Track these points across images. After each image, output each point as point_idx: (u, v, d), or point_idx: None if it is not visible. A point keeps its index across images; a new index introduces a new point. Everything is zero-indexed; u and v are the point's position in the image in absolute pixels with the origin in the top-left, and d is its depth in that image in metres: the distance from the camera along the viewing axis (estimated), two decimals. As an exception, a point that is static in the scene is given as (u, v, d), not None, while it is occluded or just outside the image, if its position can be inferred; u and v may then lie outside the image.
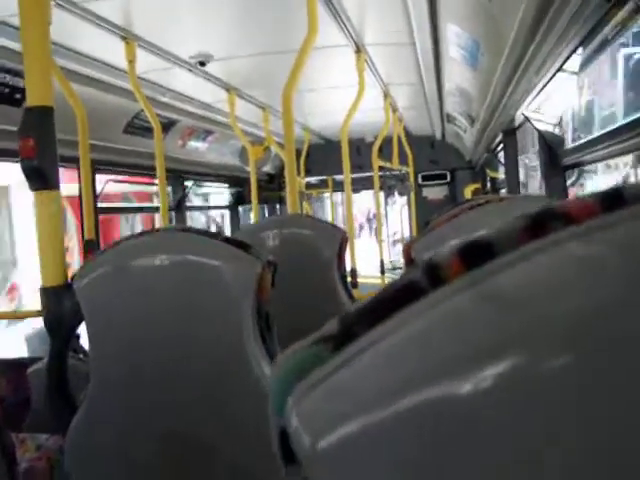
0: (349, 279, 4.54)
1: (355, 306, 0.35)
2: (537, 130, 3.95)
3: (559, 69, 2.95)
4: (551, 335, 0.29)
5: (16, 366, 3.37)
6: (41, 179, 1.68)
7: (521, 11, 2.48)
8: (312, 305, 2.60)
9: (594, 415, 0.28)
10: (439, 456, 0.30)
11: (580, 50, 2.70)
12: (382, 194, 9.24)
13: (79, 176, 4.44)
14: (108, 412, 1.67)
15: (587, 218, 0.31)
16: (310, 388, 0.33)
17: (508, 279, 0.31)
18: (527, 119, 4.00)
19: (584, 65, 2.93)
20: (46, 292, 1.73)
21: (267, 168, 8.81)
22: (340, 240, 2.64)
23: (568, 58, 2.79)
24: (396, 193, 9.96)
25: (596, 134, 3.00)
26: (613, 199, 0.31)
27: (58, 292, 1.72)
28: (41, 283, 1.75)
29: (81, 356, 2.87)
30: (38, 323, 4.54)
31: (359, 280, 5.10)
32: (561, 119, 3.68)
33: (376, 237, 7.51)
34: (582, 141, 3.26)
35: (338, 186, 9.21)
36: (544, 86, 3.26)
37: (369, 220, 16.15)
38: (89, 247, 3.80)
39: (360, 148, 8.56)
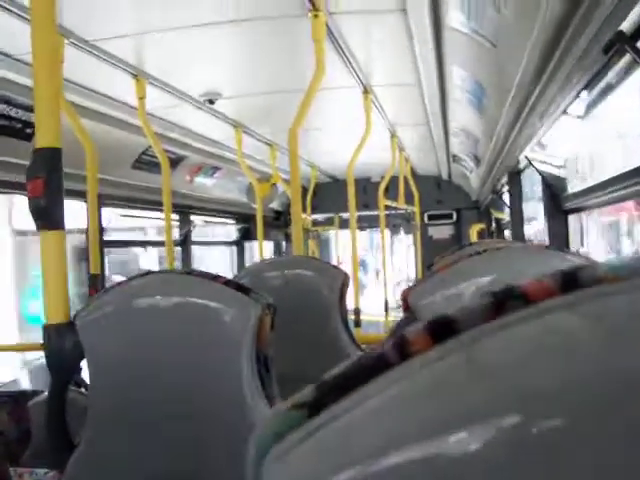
0: (353, 317, 4.55)
1: (329, 374, 0.36)
2: (540, 173, 3.98)
3: (563, 113, 2.98)
4: (535, 400, 0.30)
5: (17, 399, 3.37)
6: (48, 219, 1.71)
7: (525, 57, 2.52)
8: (313, 347, 2.60)
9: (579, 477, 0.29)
10: None
11: (585, 94, 2.73)
12: (388, 232, 9.26)
13: (87, 210, 4.48)
14: (106, 451, 1.67)
15: (545, 298, 0.33)
16: (285, 451, 0.34)
17: (486, 348, 0.32)
18: (530, 162, 4.03)
19: (588, 110, 2.96)
20: (49, 329, 1.74)
21: (274, 205, 8.85)
22: (342, 281, 2.65)
23: (571, 103, 2.83)
24: (402, 232, 9.98)
25: (599, 180, 3.02)
26: (569, 281, 0.33)
27: (61, 330, 1.73)
28: (44, 320, 1.76)
29: (82, 390, 2.87)
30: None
31: (362, 318, 5.10)
32: (565, 162, 3.70)
33: (382, 275, 7.49)
34: (585, 187, 3.28)
35: (344, 224, 9.23)
36: (548, 130, 3.29)
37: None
38: (94, 282, 3.82)
39: (366, 187, 8.60)
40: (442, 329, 0.33)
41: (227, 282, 1.65)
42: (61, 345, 1.71)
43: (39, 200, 1.67)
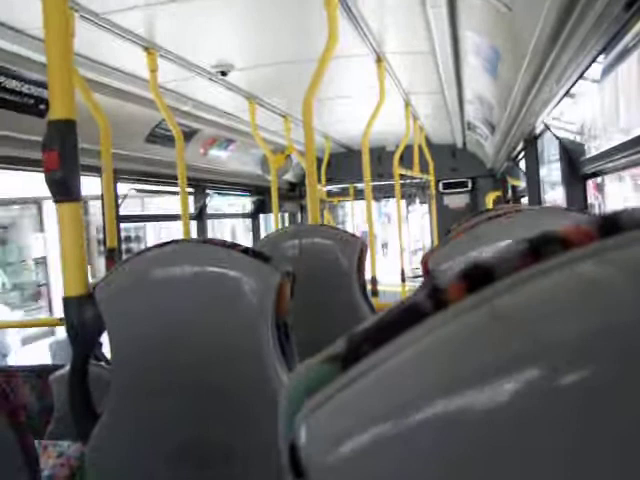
0: (369, 287, 4.55)
1: (361, 326, 0.35)
2: (557, 139, 3.94)
3: (580, 77, 2.94)
4: (564, 351, 0.30)
5: (39, 373, 3.40)
6: (64, 191, 1.71)
7: (541, 20, 2.47)
8: (331, 314, 2.61)
9: (607, 426, 0.29)
10: (451, 469, 0.31)
11: (601, 58, 2.69)
12: (403, 202, 9.23)
13: (101, 184, 4.49)
14: (129, 420, 1.68)
15: (585, 243, 0.32)
16: (318, 405, 0.34)
17: (514, 299, 0.31)
18: (547, 127, 3.99)
19: (605, 73, 2.92)
20: (68, 302, 1.74)
21: (288, 176, 8.84)
22: (359, 249, 2.64)
23: (589, 67, 2.78)
24: (417, 201, 9.95)
25: (616, 142, 2.98)
26: (610, 225, 0.32)
27: (80, 302, 1.73)
28: (63, 293, 1.77)
29: (103, 363, 2.90)
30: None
31: (379, 288, 5.10)
32: (582, 127, 3.66)
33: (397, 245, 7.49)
34: (602, 150, 3.24)
35: (359, 194, 9.21)
36: (565, 94, 3.24)
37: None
38: (111, 255, 3.84)
39: (381, 156, 8.57)
40: (477, 277, 0.33)
41: (245, 250, 1.65)
42: (81, 317, 1.72)
43: (55, 172, 1.67)
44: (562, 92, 3.21)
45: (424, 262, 1.51)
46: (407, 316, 0.34)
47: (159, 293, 1.67)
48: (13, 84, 3.62)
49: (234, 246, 1.67)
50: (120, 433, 1.68)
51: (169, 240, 1.81)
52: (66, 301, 1.75)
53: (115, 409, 1.68)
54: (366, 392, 0.33)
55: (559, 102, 3.42)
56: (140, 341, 1.69)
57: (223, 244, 1.68)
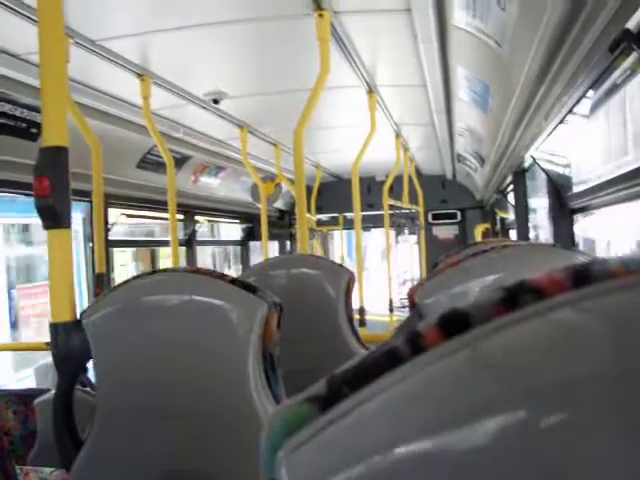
0: (357, 317, 4.55)
1: (342, 369, 0.36)
2: (545, 172, 3.98)
3: (568, 113, 2.98)
4: (543, 395, 0.30)
5: (23, 398, 3.37)
6: (54, 218, 1.71)
7: (530, 56, 2.51)
8: (318, 346, 2.61)
9: (586, 470, 0.29)
10: None
11: (589, 94, 2.73)
12: (392, 232, 9.26)
13: (91, 210, 4.49)
14: (112, 448, 1.67)
15: (559, 292, 0.33)
16: (299, 444, 0.35)
17: (493, 344, 0.32)
18: (535, 161, 4.02)
19: (593, 109, 2.96)
20: (55, 328, 1.74)
21: (278, 204, 8.86)
22: (347, 280, 2.65)
23: (577, 102, 2.82)
24: (406, 231, 9.98)
25: (603, 178, 3.02)
26: (582, 275, 0.33)
27: (67, 328, 1.73)
28: (51, 319, 1.77)
29: (88, 389, 2.88)
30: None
31: (367, 317, 5.11)
32: (570, 162, 3.70)
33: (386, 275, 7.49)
34: (590, 185, 3.27)
35: (349, 224, 9.23)
36: (553, 129, 3.28)
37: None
38: (99, 281, 3.83)
39: (371, 186, 8.61)
40: (454, 323, 0.34)
41: (233, 281, 1.65)
42: (68, 343, 1.72)
43: (45, 199, 1.68)
44: (550, 127, 3.25)
45: (410, 295, 1.52)
46: (386, 360, 0.35)
47: (146, 321, 1.67)
48: (6, 107, 3.64)
49: (222, 276, 1.68)
50: (103, 460, 1.67)
51: (157, 269, 1.82)
52: (53, 327, 1.75)
53: (98, 436, 1.67)
54: (345, 433, 0.34)
55: (548, 137, 3.46)
56: (126, 368, 1.69)
57: (211, 274, 1.69)
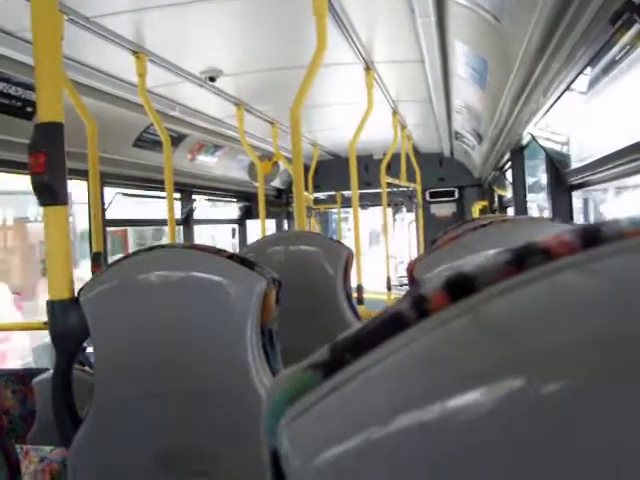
0: (355, 295, 4.56)
1: (345, 334, 0.36)
2: (544, 149, 3.96)
3: (567, 89, 2.96)
4: (546, 359, 0.30)
5: (22, 377, 3.38)
6: (50, 195, 1.70)
7: (529, 32, 2.49)
8: (317, 322, 2.61)
9: (587, 436, 0.29)
10: (436, 475, 0.31)
11: (588, 70, 2.71)
12: (390, 210, 9.25)
13: (88, 189, 4.47)
14: (111, 426, 1.68)
15: (567, 254, 0.32)
16: (301, 412, 0.34)
17: (498, 307, 0.32)
18: (534, 138, 4.01)
19: (592, 85, 2.94)
20: (53, 305, 1.74)
21: (275, 183, 8.84)
22: (346, 258, 2.65)
23: (576, 79, 2.81)
24: (404, 209, 9.98)
25: (603, 154, 3.00)
26: (591, 236, 0.32)
27: (65, 305, 1.73)
28: (48, 296, 1.76)
29: (87, 368, 2.89)
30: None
31: (365, 296, 5.11)
32: (568, 139, 3.69)
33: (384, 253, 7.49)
34: (588, 161, 3.26)
35: (346, 202, 9.22)
36: (552, 106, 3.27)
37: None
38: (96, 260, 3.82)
39: (368, 165, 8.58)
40: (459, 287, 0.33)
41: (231, 256, 1.65)
42: (65, 321, 1.72)
43: (41, 176, 1.66)
44: (549, 103, 3.23)
45: (409, 270, 1.51)
46: (390, 324, 0.34)
47: (144, 298, 1.67)
48: (0, 86, 3.61)
49: (220, 252, 1.67)
50: (102, 438, 1.68)
51: (155, 245, 1.81)
52: (51, 304, 1.74)
53: (98, 413, 1.67)
54: (348, 399, 0.33)
55: (546, 113, 3.44)
56: (124, 346, 1.69)
57: (209, 250, 1.68)
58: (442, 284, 0.34)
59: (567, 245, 0.32)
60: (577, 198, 4.08)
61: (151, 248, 1.78)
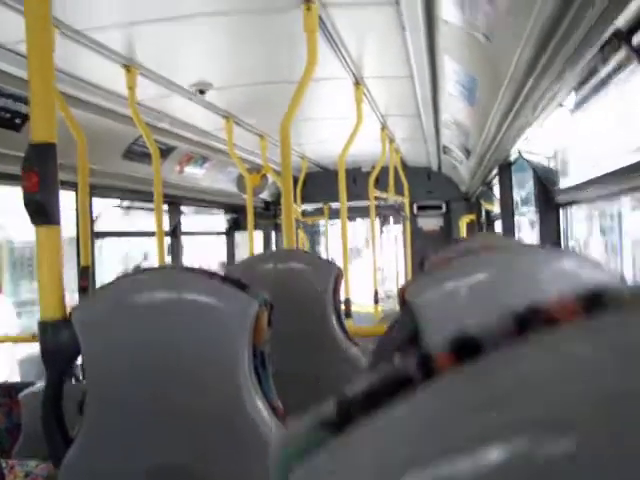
0: (343, 308, 4.56)
1: (352, 390, 0.36)
2: (532, 167, 3.99)
3: (555, 107, 2.99)
4: (551, 422, 0.30)
5: (8, 390, 3.37)
6: (43, 214, 1.71)
7: (518, 51, 2.52)
8: (306, 341, 2.61)
9: None
10: None
11: (576, 88, 2.74)
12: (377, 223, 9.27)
13: (76, 200, 4.46)
14: (102, 444, 1.67)
15: (570, 319, 0.33)
16: (310, 470, 0.34)
17: (502, 372, 0.32)
18: (521, 155, 4.04)
19: (580, 103, 2.97)
20: (44, 325, 1.74)
21: (264, 195, 8.84)
22: (335, 276, 2.65)
23: (564, 97, 2.83)
24: (391, 222, 10.00)
25: (591, 175, 3.03)
26: (593, 303, 0.33)
27: (57, 325, 1.73)
28: (40, 316, 1.76)
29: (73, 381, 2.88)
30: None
31: (353, 309, 5.13)
32: (557, 156, 3.72)
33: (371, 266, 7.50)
34: (576, 182, 3.29)
35: (334, 214, 9.24)
36: (540, 124, 3.29)
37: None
38: (84, 273, 3.80)
39: (356, 177, 8.60)
40: (465, 348, 0.34)
41: (224, 279, 1.65)
42: (57, 341, 1.71)
43: (34, 195, 1.67)
44: (537, 121, 3.26)
45: (401, 293, 1.52)
46: (397, 384, 0.34)
47: (137, 318, 1.67)
48: (-10, 98, 3.61)
49: (213, 274, 1.68)
50: (93, 456, 1.67)
51: (148, 267, 1.82)
52: (42, 324, 1.74)
53: (89, 432, 1.66)
54: (357, 458, 0.34)
55: (534, 130, 3.47)
56: (115, 366, 1.69)
57: (202, 272, 1.69)
58: (448, 344, 0.34)
59: (570, 311, 0.33)
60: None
61: (144, 270, 1.78)
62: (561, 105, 2.97)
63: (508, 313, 0.34)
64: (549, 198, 3.81)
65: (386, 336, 1.55)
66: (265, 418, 1.60)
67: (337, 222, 9.44)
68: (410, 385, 0.34)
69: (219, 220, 9.14)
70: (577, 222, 4.30)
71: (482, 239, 2.71)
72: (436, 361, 0.34)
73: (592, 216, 4.42)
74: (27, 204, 1.69)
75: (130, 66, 3.81)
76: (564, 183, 3.59)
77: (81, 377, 3.13)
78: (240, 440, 1.58)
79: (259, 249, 8.70)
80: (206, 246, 10.90)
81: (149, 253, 11.13)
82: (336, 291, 2.65)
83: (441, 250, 2.71)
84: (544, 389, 0.31)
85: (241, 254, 8.56)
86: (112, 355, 1.69)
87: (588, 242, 4.73)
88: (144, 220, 7.49)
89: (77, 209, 4.39)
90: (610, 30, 1.91)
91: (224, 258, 9.19)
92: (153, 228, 4.15)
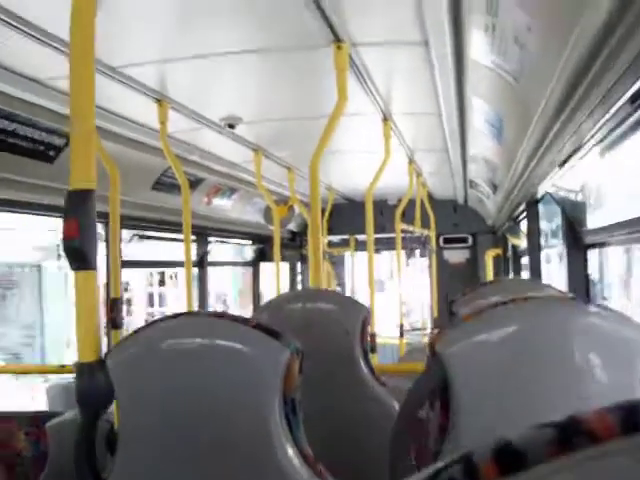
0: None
1: None
2: (559, 205, 3.98)
3: (584, 148, 2.98)
4: None
5: (35, 420, 3.39)
6: (82, 260, 1.74)
7: (547, 95, 2.53)
8: (333, 380, 2.61)
9: None
10: None
11: (606, 130, 2.73)
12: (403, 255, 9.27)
13: (106, 232, 4.52)
14: None
15: (608, 438, 0.34)
16: None
17: None
18: (550, 194, 4.02)
19: (610, 146, 2.96)
20: (81, 367, 1.76)
21: (290, 226, 8.88)
22: (364, 316, 2.65)
23: (593, 138, 2.83)
24: (417, 255, 9.98)
25: (619, 216, 3.02)
26: (632, 421, 0.34)
27: (92, 368, 1.75)
28: (77, 358, 1.79)
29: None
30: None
31: (378, 341, 5.10)
32: (585, 196, 3.70)
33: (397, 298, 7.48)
34: (605, 224, 3.27)
35: (360, 246, 9.24)
36: (568, 163, 3.29)
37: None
38: (114, 306, 3.83)
39: (383, 209, 8.61)
40: (509, 461, 0.35)
41: (257, 325, 1.67)
42: (92, 383, 1.74)
43: (73, 241, 1.70)
44: (565, 161, 3.26)
45: (432, 344, 1.53)
46: None
47: (169, 364, 1.68)
48: (26, 131, 3.68)
49: (246, 321, 1.69)
50: None
51: (181, 312, 1.85)
52: (79, 366, 1.76)
53: (120, 475, 1.68)
54: None
55: (562, 170, 3.46)
56: (148, 410, 1.70)
57: (236, 319, 1.71)
58: (492, 454, 0.35)
59: (610, 428, 0.34)
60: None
61: (178, 315, 1.81)
62: (590, 146, 2.96)
63: (550, 425, 0.35)
64: (577, 238, 3.79)
65: (417, 384, 1.55)
66: (296, 466, 1.60)
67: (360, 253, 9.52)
68: None
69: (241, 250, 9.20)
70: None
71: (511, 285, 2.70)
72: (481, 471, 0.35)
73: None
74: (67, 250, 1.73)
75: (162, 101, 3.87)
76: (592, 223, 3.57)
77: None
78: None
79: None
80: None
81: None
82: (364, 331, 2.65)
83: (468, 291, 2.71)
84: None
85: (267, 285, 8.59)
86: (144, 399, 1.71)
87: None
88: (157, 249, 7.59)
89: (107, 240, 4.45)
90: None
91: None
92: (172, 257, 4.17)
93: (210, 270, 7.24)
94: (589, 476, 0.33)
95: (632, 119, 2.46)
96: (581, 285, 3.86)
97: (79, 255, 1.73)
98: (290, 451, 1.60)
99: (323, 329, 2.62)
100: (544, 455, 0.34)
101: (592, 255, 3.92)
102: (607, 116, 2.42)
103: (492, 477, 0.35)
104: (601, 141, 2.86)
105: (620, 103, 2.28)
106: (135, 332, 1.76)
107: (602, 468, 0.33)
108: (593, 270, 3.92)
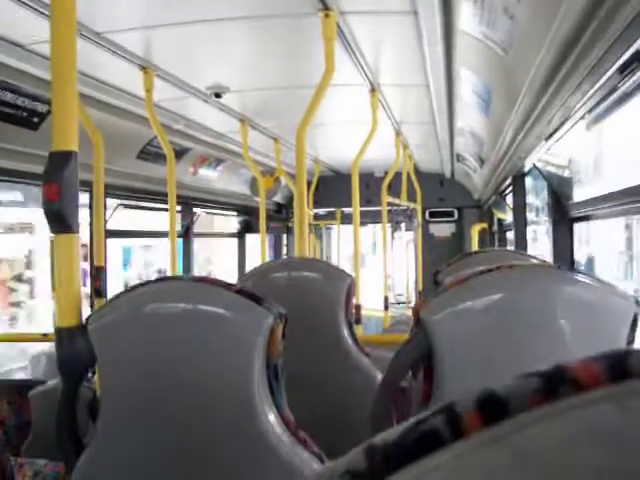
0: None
1: (379, 442, 0.36)
2: (546, 179, 3.98)
3: (571, 121, 2.98)
4: None
5: (18, 389, 3.39)
6: (62, 223, 1.72)
7: (535, 65, 2.51)
8: (316, 349, 2.61)
9: None
10: None
11: (594, 102, 2.73)
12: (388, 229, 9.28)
13: (90, 200, 4.49)
14: (114, 454, 1.68)
15: (595, 386, 0.33)
16: None
17: (530, 436, 0.33)
18: (536, 167, 4.03)
19: (598, 118, 2.96)
20: (60, 332, 1.75)
21: (276, 198, 8.86)
22: (348, 285, 2.65)
23: (580, 110, 2.82)
24: (403, 228, 10.00)
25: (606, 190, 3.02)
26: (618, 370, 0.33)
27: (73, 333, 1.74)
28: (56, 323, 1.77)
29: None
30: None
31: (362, 313, 5.12)
32: (572, 170, 3.70)
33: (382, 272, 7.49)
34: (591, 197, 3.28)
35: (346, 219, 9.24)
36: (555, 136, 3.29)
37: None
38: (98, 275, 3.81)
39: (369, 182, 8.60)
40: (493, 410, 0.34)
41: (240, 291, 1.66)
42: (73, 348, 1.72)
43: (54, 204, 1.68)
44: (553, 134, 3.25)
45: (416, 310, 1.53)
46: (426, 440, 0.35)
47: (151, 328, 1.67)
48: (8, 97, 3.63)
49: (228, 286, 1.68)
50: (105, 465, 1.68)
51: (163, 276, 1.83)
52: (58, 330, 1.75)
53: (101, 441, 1.67)
54: None
55: (549, 143, 3.46)
56: (130, 374, 1.70)
57: (218, 283, 1.69)
58: (475, 403, 0.35)
59: (596, 376, 0.33)
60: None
61: (159, 279, 1.79)
62: (576, 120, 2.96)
63: (534, 375, 0.35)
64: (563, 212, 3.80)
65: (400, 353, 1.56)
66: (277, 431, 1.60)
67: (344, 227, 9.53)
68: (439, 442, 0.34)
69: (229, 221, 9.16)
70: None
71: (496, 255, 2.70)
72: (464, 421, 0.34)
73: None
74: (47, 213, 1.71)
75: (147, 68, 3.82)
76: (578, 196, 3.58)
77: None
78: (251, 452, 1.59)
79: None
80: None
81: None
82: (349, 300, 2.65)
83: (453, 261, 2.71)
84: (573, 455, 0.32)
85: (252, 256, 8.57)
86: (126, 364, 1.70)
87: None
88: (144, 219, 7.54)
89: (91, 209, 4.42)
90: (631, 50, 1.91)
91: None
92: (158, 228, 4.16)
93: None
94: (573, 423, 0.32)
95: (619, 91, 2.45)
96: (566, 258, 3.88)
97: (60, 218, 1.70)
98: (271, 416, 1.60)
99: (308, 297, 2.62)
100: (528, 404, 0.34)
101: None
102: (596, 86, 2.41)
103: (476, 426, 0.34)
104: (589, 112, 2.85)
105: (610, 73, 2.27)
106: (116, 297, 1.74)
107: (587, 415, 0.32)
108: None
